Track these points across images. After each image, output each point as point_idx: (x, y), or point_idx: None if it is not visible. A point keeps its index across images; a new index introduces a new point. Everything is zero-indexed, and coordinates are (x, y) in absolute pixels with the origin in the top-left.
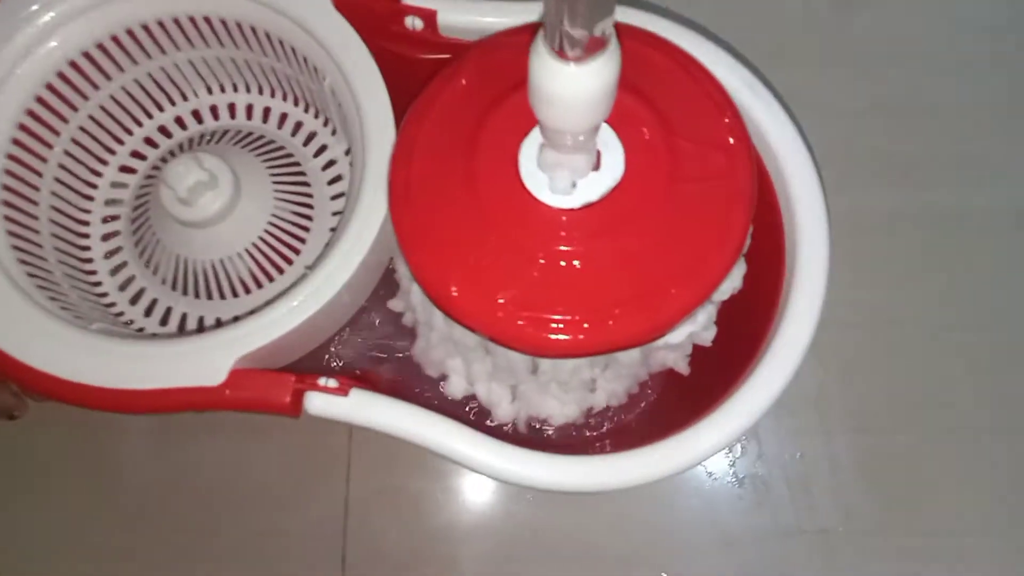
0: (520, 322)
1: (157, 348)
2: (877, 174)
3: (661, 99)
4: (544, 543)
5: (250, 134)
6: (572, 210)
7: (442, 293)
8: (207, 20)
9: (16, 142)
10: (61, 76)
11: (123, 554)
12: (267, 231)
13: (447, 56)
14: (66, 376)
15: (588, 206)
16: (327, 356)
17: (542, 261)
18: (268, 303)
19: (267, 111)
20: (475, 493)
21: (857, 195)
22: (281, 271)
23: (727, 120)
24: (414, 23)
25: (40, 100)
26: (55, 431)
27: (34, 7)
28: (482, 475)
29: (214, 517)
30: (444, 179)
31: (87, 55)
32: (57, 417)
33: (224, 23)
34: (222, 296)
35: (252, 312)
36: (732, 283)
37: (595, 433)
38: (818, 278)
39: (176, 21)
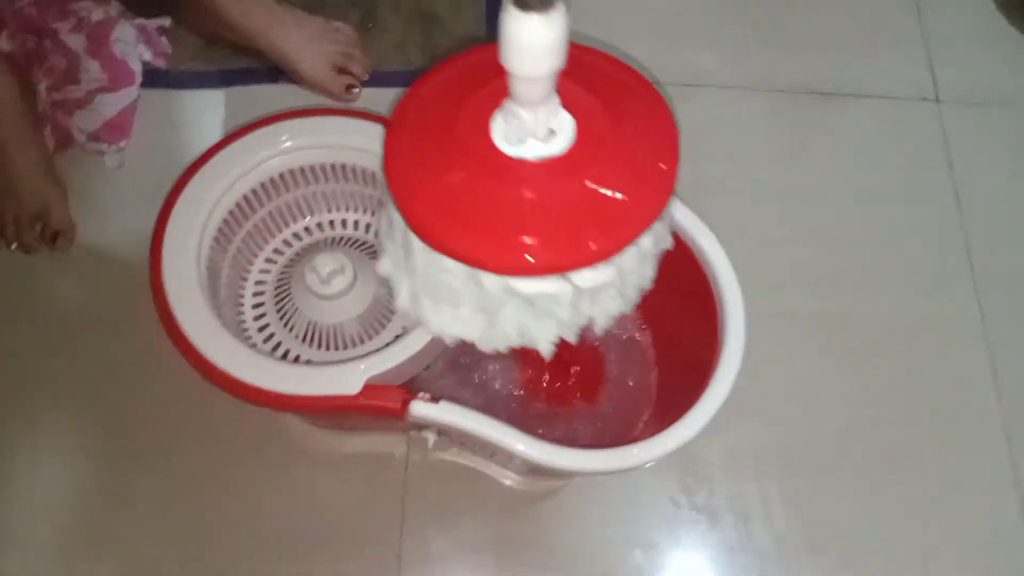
0: (420, 202)
1: (318, 369)
2: (800, 285)
3: (616, 106)
4: (544, 552)
5: (356, 239)
6: (515, 158)
7: (388, 171)
8: (342, 166)
9: (215, 239)
10: (245, 198)
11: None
12: (370, 305)
13: None
14: (259, 385)
15: (533, 161)
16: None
17: (464, 174)
18: (386, 345)
19: (368, 225)
20: (508, 520)
21: (787, 302)
22: (377, 332)
23: (663, 137)
24: None
25: (231, 213)
26: (188, 446)
27: (239, 162)
28: (521, 458)
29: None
30: (431, 118)
31: (262, 185)
32: (197, 445)
33: (344, 167)
34: (336, 348)
35: (365, 355)
36: (596, 276)
37: None
38: (732, 366)
39: (321, 167)
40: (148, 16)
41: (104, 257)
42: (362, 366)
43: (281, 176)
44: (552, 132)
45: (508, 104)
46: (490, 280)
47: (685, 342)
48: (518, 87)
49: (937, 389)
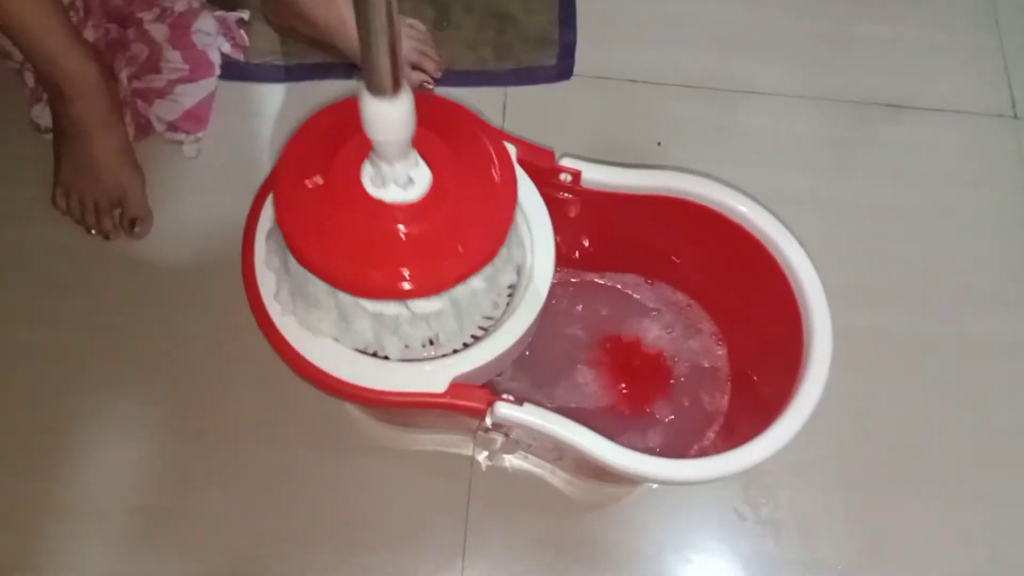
0: (295, 224)
1: (405, 366)
2: (867, 302)
3: (470, 164)
4: (605, 555)
5: None
6: (377, 200)
7: (275, 194)
8: None
9: None
10: None
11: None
12: None
13: (581, 199)
14: (348, 379)
15: (390, 204)
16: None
17: (332, 206)
18: (467, 346)
19: None
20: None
21: (856, 317)
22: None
23: (504, 190)
24: (566, 177)
25: None
26: (257, 442)
27: None
28: (601, 463)
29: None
30: (319, 152)
31: None
32: (266, 433)
33: None
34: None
35: (450, 354)
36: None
37: None
38: (819, 382)
39: None
40: (228, 8)
41: (179, 244)
42: (449, 365)
43: None
44: (411, 180)
45: (372, 155)
46: (343, 296)
47: (763, 359)
48: (377, 148)
49: (1005, 408)
